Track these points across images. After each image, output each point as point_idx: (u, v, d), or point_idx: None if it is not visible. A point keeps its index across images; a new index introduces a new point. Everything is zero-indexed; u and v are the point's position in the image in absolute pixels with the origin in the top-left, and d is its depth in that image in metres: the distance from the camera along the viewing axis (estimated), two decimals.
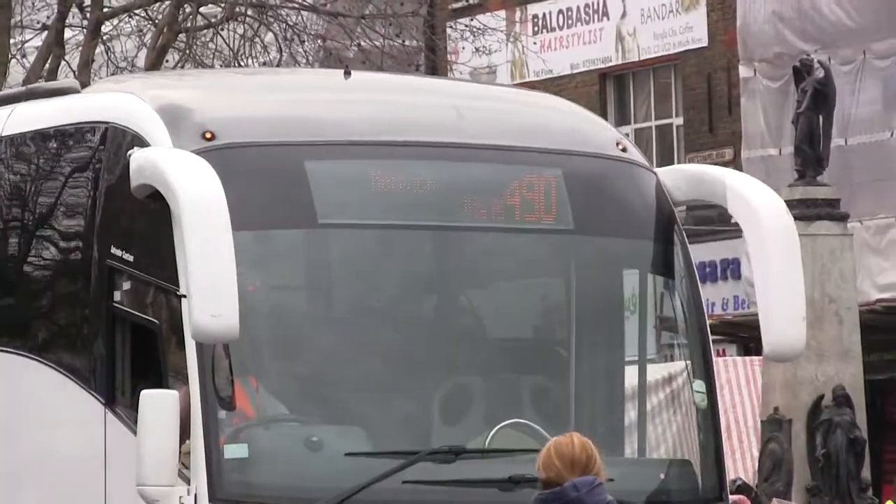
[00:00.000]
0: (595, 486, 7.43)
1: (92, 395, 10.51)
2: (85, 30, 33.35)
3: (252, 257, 9.48)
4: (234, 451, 9.52)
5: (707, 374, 10.51)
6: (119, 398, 10.31)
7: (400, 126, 10.77)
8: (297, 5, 33.61)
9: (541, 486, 7.76)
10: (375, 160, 10.27)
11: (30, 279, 12.02)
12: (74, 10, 33.32)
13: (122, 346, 10.49)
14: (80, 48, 32.78)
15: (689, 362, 10.69)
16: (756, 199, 10.47)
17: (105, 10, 33.18)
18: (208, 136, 10.05)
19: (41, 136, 11.98)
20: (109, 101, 11.77)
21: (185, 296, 9.60)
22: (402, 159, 10.40)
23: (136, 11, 33.83)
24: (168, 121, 10.27)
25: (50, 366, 11.10)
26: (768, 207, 10.39)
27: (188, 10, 32.96)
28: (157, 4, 33.46)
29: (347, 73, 11.88)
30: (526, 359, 10.68)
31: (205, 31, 33.34)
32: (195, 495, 9.44)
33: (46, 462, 11.38)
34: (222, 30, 32.91)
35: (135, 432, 9.68)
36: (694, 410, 10.46)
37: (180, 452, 9.32)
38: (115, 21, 34.04)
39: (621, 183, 10.87)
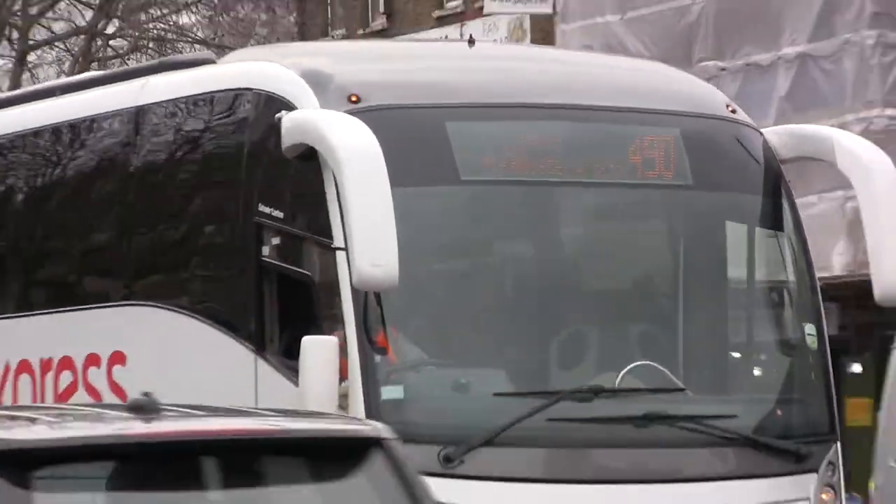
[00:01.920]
0: None
1: (242, 343, 11.00)
2: (13, 60, 38.12)
3: (400, 212, 9.65)
4: (390, 392, 10.06)
5: (817, 319, 10.92)
6: (268, 345, 10.82)
7: (530, 89, 11.25)
8: (189, 39, 38.48)
9: None
10: (510, 121, 10.84)
11: (178, 239, 12.40)
12: (4, 42, 37.72)
13: (270, 297, 10.93)
14: (10, 74, 37.57)
15: (799, 308, 11.16)
16: (865, 155, 10.94)
17: (30, 42, 38.14)
18: (353, 98, 10.46)
19: (182, 104, 12.38)
20: (250, 68, 12.29)
21: (340, 248, 10.10)
22: (534, 120, 10.95)
23: (57, 44, 39.05)
24: (313, 85, 10.67)
25: (200, 319, 11.60)
26: (877, 163, 10.82)
27: (100, 42, 38.31)
28: (74, 38, 38.57)
29: (472, 42, 12.35)
30: (650, 307, 11.27)
31: (114, 60, 37.89)
32: None
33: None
34: (129, 59, 36.38)
35: (285, 375, 10.47)
36: (807, 352, 10.93)
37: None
38: (39, 52, 39.47)
39: (732, 142, 11.38)
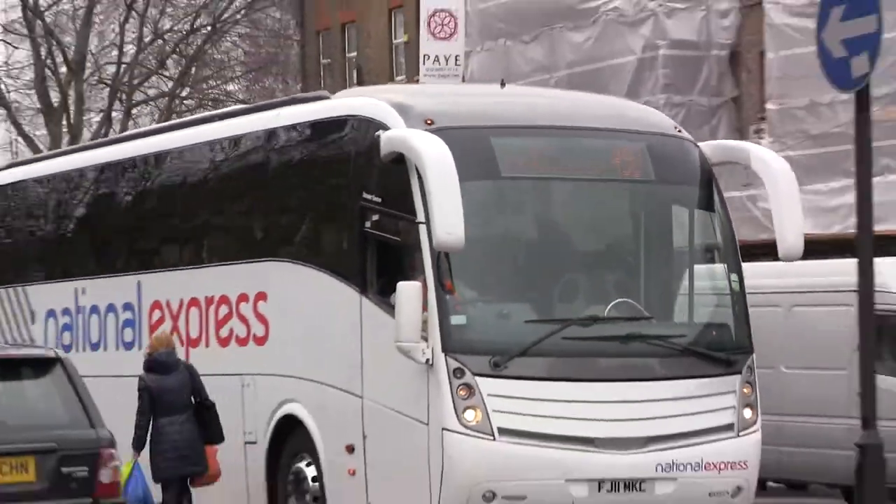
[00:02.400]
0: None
1: (351, 287, 14.47)
2: (123, 112, 48.42)
3: (463, 197, 12.94)
4: (456, 320, 13.43)
5: (738, 270, 14.76)
6: (369, 288, 14.22)
7: (545, 115, 15.27)
8: (234, 101, 46.35)
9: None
10: (532, 137, 14.60)
11: (306, 215, 16.28)
12: (117, 102, 48.31)
13: (370, 256, 14.39)
14: (121, 122, 47.22)
15: (726, 263, 14.98)
16: (771, 160, 15.03)
17: (133, 101, 49.31)
18: (429, 122, 13.96)
19: (308, 125, 16.02)
20: (355, 101, 15.97)
21: (421, 222, 13.50)
22: (548, 136, 14.72)
23: (150, 102, 50.18)
24: (401, 112, 14.12)
25: (321, 270, 15.25)
26: (779, 165, 14.87)
27: (177, 102, 49.14)
28: (161, 98, 49.74)
29: (503, 85, 16.98)
30: (627, 263, 15.14)
31: (186, 113, 46.16)
32: (432, 349, 13.22)
33: (316, 333, 15.38)
34: (195, 112, 44.97)
35: (381, 308, 13.85)
36: (732, 293, 14.75)
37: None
38: (139, 108, 50.49)
39: (680, 151, 15.23)
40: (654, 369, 14.48)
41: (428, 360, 13.39)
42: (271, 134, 16.56)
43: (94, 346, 18.89)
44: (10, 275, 20.98)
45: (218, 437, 15.80)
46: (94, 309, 19.15)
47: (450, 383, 13.32)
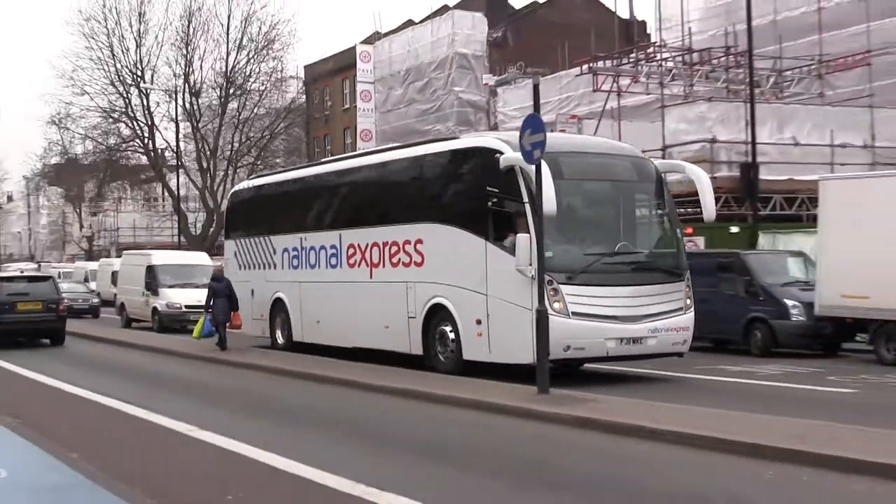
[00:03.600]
0: None
1: (480, 237, 22.58)
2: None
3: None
4: (547, 254, 19.85)
5: (679, 226, 24.11)
6: (491, 237, 22.16)
7: (585, 145, 24.96)
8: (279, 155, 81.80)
9: None
10: (579, 157, 22.99)
11: (444, 198, 24.66)
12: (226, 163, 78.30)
13: (491, 219, 22.29)
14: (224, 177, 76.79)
15: (673, 223, 23.64)
16: (699, 172, 24.02)
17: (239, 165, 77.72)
18: None
19: (448, 154, 24.99)
20: (480, 139, 25.01)
21: (526, 202, 20.93)
22: (587, 157, 23.40)
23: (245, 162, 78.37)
24: (509, 145, 21.81)
25: (462, 228, 23.35)
26: (703, 175, 24.00)
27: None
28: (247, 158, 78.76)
29: (563, 131, 28.80)
30: (628, 223, 23.48)
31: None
32: (534, 270, 20.24)
33: (456, 261, 23.54)
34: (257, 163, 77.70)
35: (502, 249, 21.72)
36: (679, 239, 23.79)
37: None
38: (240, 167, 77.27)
39: (645, 165, 23.78)
40: (646, 278, 22.52)
41: (532, 275, 20.45)
42: (419, 158, 26.19)
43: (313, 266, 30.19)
44: (282, 227, 32.26)
45: (236, 307, 31.81)
46: (316, 248, 29.98)
47: (545, 288, 19.83)
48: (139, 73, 75.04)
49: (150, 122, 76.19)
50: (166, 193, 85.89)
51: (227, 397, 22.75)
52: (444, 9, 76.60)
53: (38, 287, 38.02)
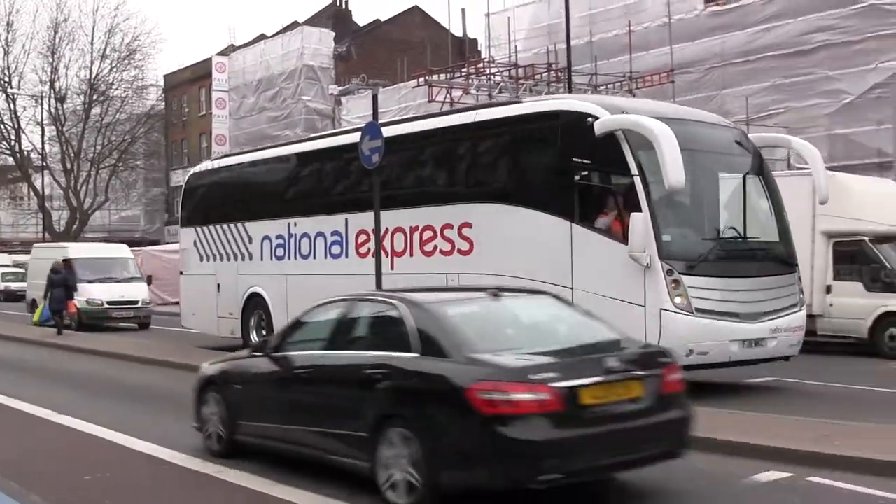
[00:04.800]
0: None
1: (564, 220, 18.02)
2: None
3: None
4: (665, 238, 16.76)
5: (784, 210, 19.21)
6: (579, 220, 17.74)
7: (688, 114, 19.68)
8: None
9: None
10: (684, 124, 18.04)
11: (521, 169, 19.50)
12: None
13: (580, 198, 17.82)
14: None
15: (778, 207, 19.20)
16: (809, 148, 19.83)
17: None
18: (624, 112, 17.49)
19: (512, 119, 19.95)
20: (558, 101, 19.96)
21: (636, 175, 16.76)
22: (695, 125, 18.85)
23: None
24: (605, 107, 17.77)
25: (539, 210, 18.71)
26: (814, 150, 19.70)
27: None
28: None
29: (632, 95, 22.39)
30: (750, 207, 18.68)
31: None
32: (650, 256, 16.61)
33: (528, 257, 18.78)
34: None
35: (591, 230, 17.45)
36: (781, 215, 19.18)
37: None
38: None
39: (748, 140, 19.90)
40: (763, 269, 18.38)
41: (647, 264, 16.62)
42: (474, 124, 20.91)
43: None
44: (263, 211, 27.37)
45: (72, 296, 34.57)
46: (310, 235, 25.46)
47: (664, 279, 16.63)
48: (6, 78, 77.90)
49: (16, 126, 78.97)
50: (31, 192, 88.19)
51: (66, 379, 23.09)
52: (295, 24, 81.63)
53: None
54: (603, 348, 10.33)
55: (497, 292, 11.07)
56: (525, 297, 12.10)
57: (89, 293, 40.10)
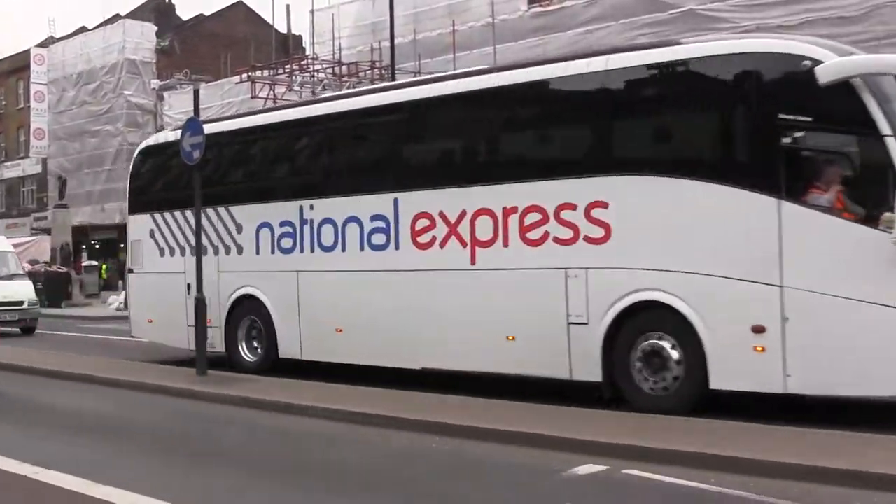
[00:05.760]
0: None
1: (770, 196, 13.74)
2: None
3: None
4: None
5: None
6: (792, 197, 13.58)
7: None
8: None
9: None
10: None
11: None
12: None
13: (790, 169, 13.73)
14: None
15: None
16: None
17: None
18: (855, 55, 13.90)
19: (681, 64, 15.15)
20: (745, 41, 15.29)
21: (888, 135, 12.71)
22: None
23: None
24: (832, 50, 13.79)
25: (727, 184, 14.31)
26: None
27: None
28: None
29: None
30: None
31: None
32: None
33: (706, 247, 14.56)
34: None
35: (812, 209, 13.43)
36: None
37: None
38: None
39: None
40: None
41: None
42: (646, 68, 15.80)
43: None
44: (259, 191, 22.00)
45: None
46: (337, 221, 19.93)
47: None
48: None
49: None
50: None
51: None
52: (116, 17, 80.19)
53: None
54: None
55: None
56: None
57: None
